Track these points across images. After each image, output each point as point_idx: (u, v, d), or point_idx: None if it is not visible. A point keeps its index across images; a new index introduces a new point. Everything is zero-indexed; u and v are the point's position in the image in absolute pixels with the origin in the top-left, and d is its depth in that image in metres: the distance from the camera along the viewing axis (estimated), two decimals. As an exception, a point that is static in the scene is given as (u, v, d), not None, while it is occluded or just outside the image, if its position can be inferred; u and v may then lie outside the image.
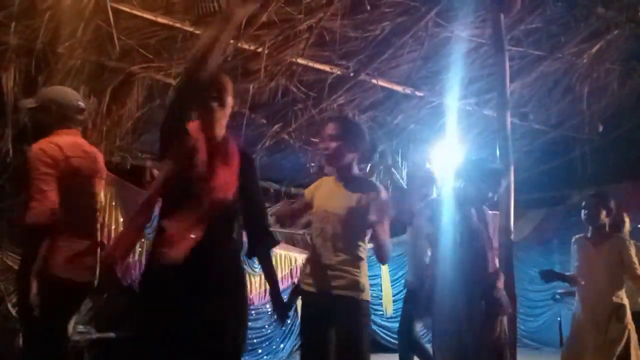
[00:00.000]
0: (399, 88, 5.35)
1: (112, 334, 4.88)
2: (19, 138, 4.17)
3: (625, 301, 3.51)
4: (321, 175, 2.70)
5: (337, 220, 2.41)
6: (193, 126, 1.98)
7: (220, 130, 2.05)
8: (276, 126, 5.43)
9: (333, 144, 2.46)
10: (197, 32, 4.17)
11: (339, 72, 4.97)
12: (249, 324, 5.65)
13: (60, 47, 3.99)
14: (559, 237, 6.97)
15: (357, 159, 2.54)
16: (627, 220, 3.77)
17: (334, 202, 2.46)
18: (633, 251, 3.54)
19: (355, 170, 2.55)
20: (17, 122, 4.21)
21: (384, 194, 2.45)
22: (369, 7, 4.38)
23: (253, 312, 5.73)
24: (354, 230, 2.43)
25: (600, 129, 6.15)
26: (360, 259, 2.44)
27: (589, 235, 3.71)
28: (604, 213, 3.60)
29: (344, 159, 2.48)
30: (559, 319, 7.17)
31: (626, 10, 4.96)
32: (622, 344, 3.42)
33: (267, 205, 6.37)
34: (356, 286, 2.38)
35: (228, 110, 2.06)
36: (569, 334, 3.80)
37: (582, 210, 3.70)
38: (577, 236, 3.82)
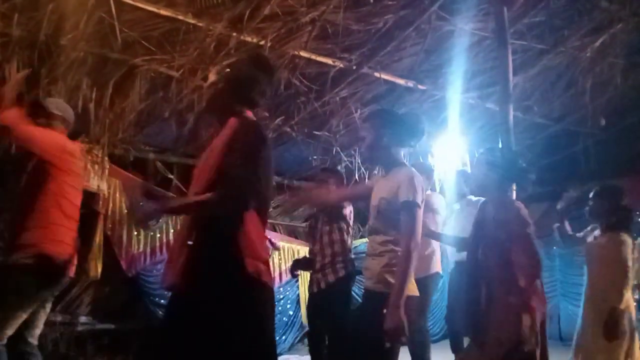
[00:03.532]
0: (401, 81, 5.34)
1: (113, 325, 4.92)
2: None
3: (623, 303, 3.27)
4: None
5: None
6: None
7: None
8: (279, 119, 5.44)
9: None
10: (200, 24, 4.17)
11: (341, 65, 4.96)
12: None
13: (63, 39, 3.99)
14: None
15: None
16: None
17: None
18: (627, 249, 3.35)
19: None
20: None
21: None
22: (371, 0, 4.37)
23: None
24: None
25: (603, 123, 6.15)
26: None
27: (596, 231, 3.61)
28: (604, 208, 3.50)
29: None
30: (558, 312, 7.19)
31: (630, 3, 4.94)
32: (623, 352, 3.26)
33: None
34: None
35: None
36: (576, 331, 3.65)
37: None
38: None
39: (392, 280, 2.36)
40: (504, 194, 2.81)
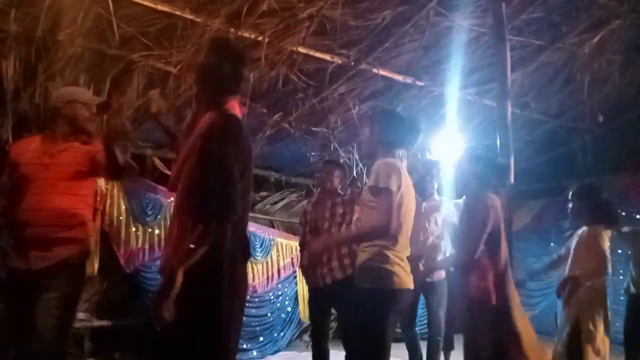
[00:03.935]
0: (399, 77, 5.34)
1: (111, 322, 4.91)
2: (18, 126, 4.17)
3: (590, 282, 3.48)
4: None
5: None
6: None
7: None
8: (277, 115, 5.43)
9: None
10: (198, 20, 4.16)
11: (339, 61, 4.96)
12: (252, 311, 5.73)
13: (60, 34, 3.97)
14: (557, 227, 6.98)
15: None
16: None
17: None
18: (602, 241, 3.51)
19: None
20: (17, 110, 4.22)
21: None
22: (369, -4, 4.37)
23: (256, 299, 5.77)
24: None
25: (601, 119, 6.16)
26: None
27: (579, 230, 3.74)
28: (584, 207, 3.62)
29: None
30: (555, 310, 7.21)
31: (627, 0, 4.95)
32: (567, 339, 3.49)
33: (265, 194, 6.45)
34: None
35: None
36: None
37: None
38: None
39: (367, 272, 2.47)
40: (483, 189, 2.93)
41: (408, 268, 2.53)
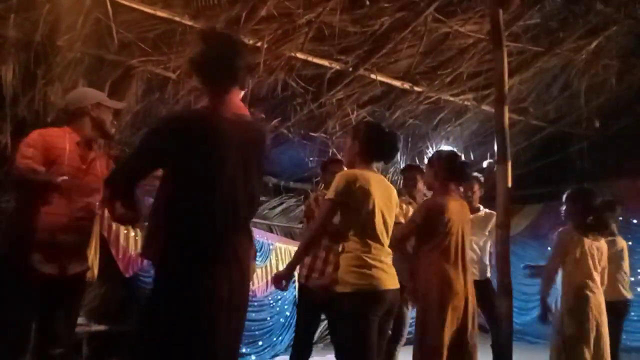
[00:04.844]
0: (397, 83, 5.35)
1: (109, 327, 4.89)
2: (17, 131, 4.17)
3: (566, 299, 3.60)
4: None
5: None
6: None
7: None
8: (275, 120, 5.44)
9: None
10: (196, 25, 4.17)
11: (338, 67, 4.97)
12: (252, 315, 5.71)
13: (59, 40, 3.98)
14: (554, 232, 7.01)
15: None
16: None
17: None
18: (573, 246, 3.62)
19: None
20: (15, 115, 4.22)
21: None
22: (368, 2, 4.38)
23: (255, 303, 5.76)
24: None
25: (597, 125, 6.19)
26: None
27: None
28: (577, 210, 3.69)
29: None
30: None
31: (624, 6, 4.98)
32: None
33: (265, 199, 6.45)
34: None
35: None
36: None
37: None
38: None
39: (345, 278, 2.54)
40: (443, 190, 3.18)
41: (389, 269, 2.61)
